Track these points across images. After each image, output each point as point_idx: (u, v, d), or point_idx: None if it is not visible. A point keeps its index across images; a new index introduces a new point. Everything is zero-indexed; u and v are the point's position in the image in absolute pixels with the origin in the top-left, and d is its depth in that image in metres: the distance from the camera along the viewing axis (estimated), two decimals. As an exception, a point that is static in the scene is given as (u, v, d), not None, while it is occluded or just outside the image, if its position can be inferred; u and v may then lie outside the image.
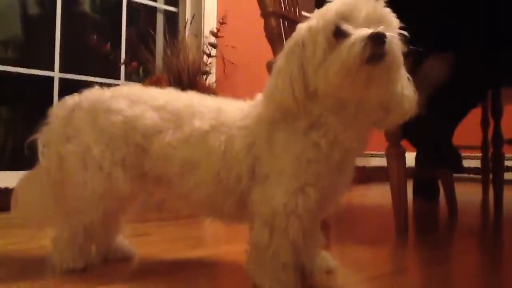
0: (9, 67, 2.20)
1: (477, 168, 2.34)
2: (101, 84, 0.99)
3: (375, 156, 2.33)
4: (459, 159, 1.80)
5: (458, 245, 1.40)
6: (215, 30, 2.54)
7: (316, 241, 0.94)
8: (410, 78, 0.82)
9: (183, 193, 0.89)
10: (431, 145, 1.79)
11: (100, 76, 2.46)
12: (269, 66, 1.40)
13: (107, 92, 0.95)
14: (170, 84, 2.11)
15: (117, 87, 0.97)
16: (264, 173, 0.81)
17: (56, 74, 2.32)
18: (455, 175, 1.84)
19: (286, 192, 0.78)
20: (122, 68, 2.51)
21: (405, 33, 0.76)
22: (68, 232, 0.92)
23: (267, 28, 1.52)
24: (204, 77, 2.45)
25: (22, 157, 0.98)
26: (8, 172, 2.04)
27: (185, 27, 2.65)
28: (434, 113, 1.52)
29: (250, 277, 0.83)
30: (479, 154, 2.42)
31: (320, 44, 0.74)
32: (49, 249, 0.94)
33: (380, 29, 0.70)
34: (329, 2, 0.77)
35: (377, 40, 0.69)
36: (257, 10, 1.55)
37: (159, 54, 2.58)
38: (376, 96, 0.77)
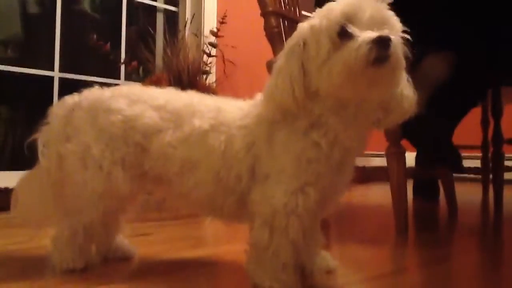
0: (9, 66, 2.20)
1: (477, 167, 2.34)
2: (101, 84, 0.99)
3: (375, 156, 2.33)
4: (459, 158, 1.80)
5: (458, 245, 1.40)
6: (215, 30, 2.54)
7: (316, 241, 0.94)
8: (410, 78, 0.83)
9: (183, 192, 0.89)
10: (431, 144, 1.79)
11: (100, 76, 2.46)
12: (269, 66, 1.40)
13: (106, 92, 0.95)
14: (170, 83, 2.11)
15: (117, 87, 0.97)
16: (264, 172, 0.81)
17: (56, 73, 2.32)
18: (455, 174, 1.84)
19: (286, 192, 0.78)
20: (122, 67, 2.52)
21: (408, 36, 0.76)
22: (68, 232, 0.92)
23: (267, 27, 1.52)
24: (204, 76, 2.45)
25: (22, 157, 0.98)
26: (8, 172, 2.05)
27: (185, 26, 2.65)
28: (434, 113, 1.52)
29: (250, 276, 0.83)
30: (479, 154, 2.42)
31: (324, 44, 0.74)
32: (49, 249, 0.94)
33: (385, 32, 0.71)
34: (330, 1, 0.77)
35: (383, 43, 0.70)
36: (257, 10, 1.55)
37: (159, 53, 2.58)
38: (377, 97, 0.78)
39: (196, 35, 2.66)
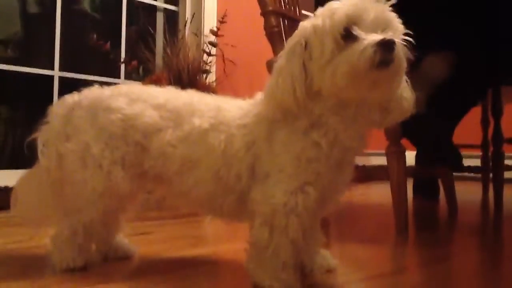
0: (9, 65, 2.20)
1: (477, 167, 2.34)
2: (101, 83, 0.99)
3: (375, 155, 2.33)
4: (459, 157, 1.80)
5: (458, 244, 1.40)
6: (215, 29, 2.54)
7: (316, 240, 0.94)
8: (408, 79, 0.83)
9: (183, 191, 0.89)
10: (431, 143, 1.79)
11: (100, 75, 2.46)
12: (269, 65, 1.40)
13: (106, 91, 0.95)
14: (170, 83, 2.11)
15: (117, 86, 0.97)
16: (264, 172, 0.81)
17: (56, 72, 2.32)
18: (455, 173, 1.84)
19: (286, 191, 0.78)
20: (122, 67, 2.51)
21: (410, 38, 0.77)
22: (68, 231, 0.91)
23: (267, 26, 1.52)
24: (204, 76, 2.45)
25: (22, 156, 0.98)
26: (7, 170, 2.05)
27: (185, 25, 2.65)
28: (435, 112, 1.52)
29: (250, 275, 0.83)
30: (479, 153, 2.42)
31: (327, 45, 0.74)
32: (49, 248, 0.94)
33: (389, 35, 0.72)
34: (331, 0, 0.77)
35: (387, 46, 0.71)
36: (257, 9, 1.55)
37: (159, 53, 2.58)
38: (378, 98, 0.79)
39: (196, 34, 2.66)
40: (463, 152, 1.82)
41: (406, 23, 0.78)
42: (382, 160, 1.48)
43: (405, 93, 0.82)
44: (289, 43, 0.80)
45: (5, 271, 0.94)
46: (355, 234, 1.46)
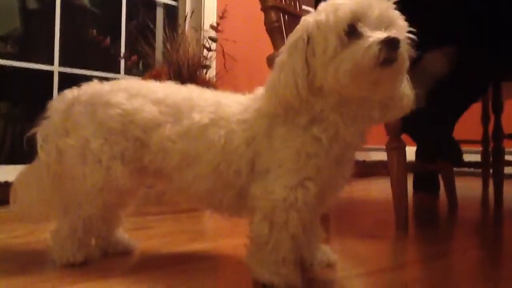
0: (8, 61, 2.20)
1: (478, 162, 2.34)
2: (101, 78, 0.99)
3: (375, 150, 2.33)
4: (460, 153, 1.80)
5: (458, 240, 1.40)
6: (215, 24, 2.53)
7: (316, 235, 0.94)
8: (408, 76, 0.83)
9: (183, 186, 0.89)
10: (431, 139, 1.79)
11: (100, 70, 2.46)
12: (270, 60, 1.40)
13: (106, 86, 0.94)
14: (170, 78, 2.11)
15: (116, 81, 0.97)
16: (264, 167, 0.81)
17: (56, 68, 2.32)
18: (455, 169, 1.84)
19: (285, 186, 0.78)
20: (122, 62, 2.51)
21: (413, 36, 0.76)
22: (67, 226, 0.92)
23: (267, 22, 1.52)
24: (204, 71, 2.44)
25: (21, 151, 0.97)
26: (7, 165, 2.05)
27: (185, 21, 2.64)
28: (435, 107, 1.52)
29: (250, 271, 0.83)
30: (480, 148, 2.42)
31: (331, 41, 0.73)
32: (49, 243, 0.94)
33: (394, 33, 0.72)
34: None
35: (392, 44, 0.71)
36: (257, 4, 1.55)
37: (159, 48, 2.57)
38: (380, 95, 0.79)
39: (196, 29, 2.65)
40: (464, 147, 1.81)
41: (408, 21, 0.78)
42: (382, 156, 1.48)
43: (406, 90, 0.82)
44: (291, 38, 0.79)
45: (5, 266, 0.95)
46: (355, 229, 1.46)
